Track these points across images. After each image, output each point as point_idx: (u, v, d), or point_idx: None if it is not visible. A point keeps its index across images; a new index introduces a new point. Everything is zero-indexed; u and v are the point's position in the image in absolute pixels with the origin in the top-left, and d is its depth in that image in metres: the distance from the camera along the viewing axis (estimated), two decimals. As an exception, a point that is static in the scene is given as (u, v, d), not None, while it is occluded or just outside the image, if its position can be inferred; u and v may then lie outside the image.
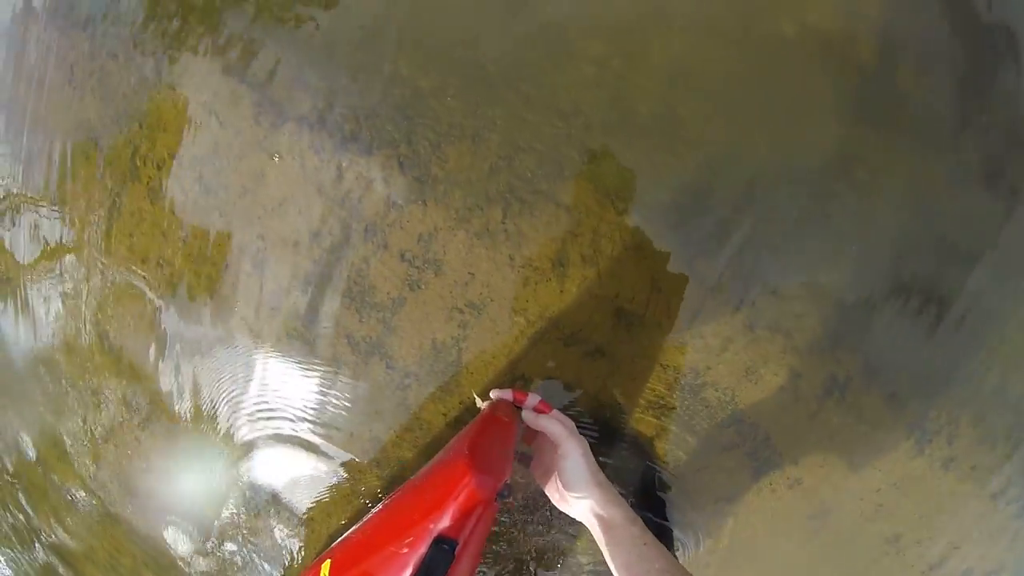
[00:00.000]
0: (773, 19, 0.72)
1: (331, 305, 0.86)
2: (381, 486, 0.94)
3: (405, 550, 0.61)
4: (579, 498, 0.64)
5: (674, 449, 0.80)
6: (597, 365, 0.79)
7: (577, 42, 0.75)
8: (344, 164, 0.79)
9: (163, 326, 0.99)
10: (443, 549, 0.60)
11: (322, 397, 0.91)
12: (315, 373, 0.90)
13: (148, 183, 0.93)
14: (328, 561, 0.73)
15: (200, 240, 0.91)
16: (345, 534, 0.81)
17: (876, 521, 0.80)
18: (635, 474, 0.81)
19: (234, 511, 1.02)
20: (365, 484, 0.94)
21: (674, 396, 0.78)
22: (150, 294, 0.98)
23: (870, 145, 0.71)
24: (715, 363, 0.76)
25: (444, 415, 0.86)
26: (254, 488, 1.01)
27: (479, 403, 0.78)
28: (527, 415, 0.69)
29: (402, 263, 0.80)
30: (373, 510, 0.81)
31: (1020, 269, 0.75)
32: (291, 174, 0.82)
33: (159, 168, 0.91)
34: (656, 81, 0.74)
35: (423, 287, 0.81)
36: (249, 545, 1.04)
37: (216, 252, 0.91)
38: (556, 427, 0.66)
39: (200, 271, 0.93)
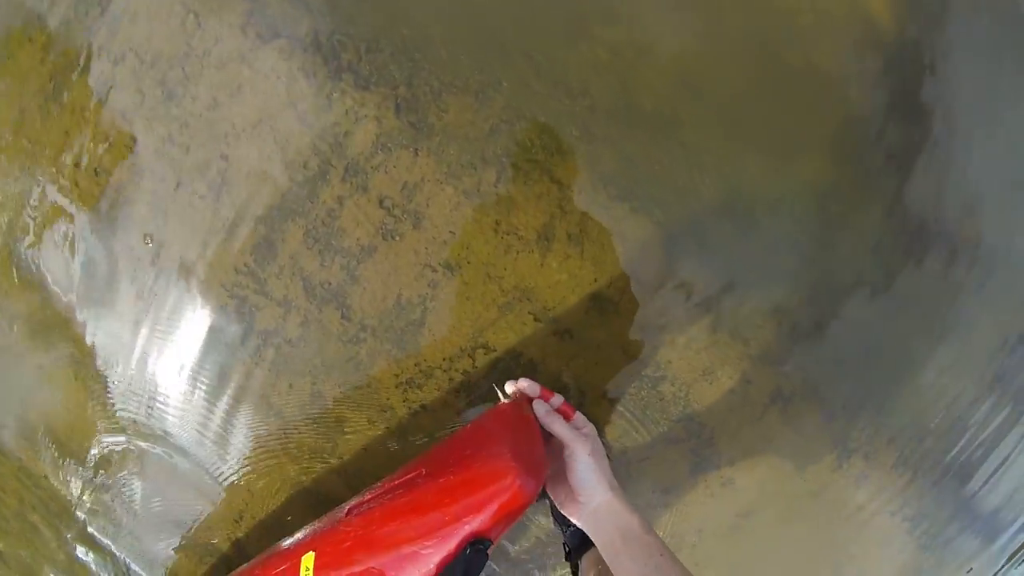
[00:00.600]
0: (783, 47, 0.76)
1: (291, 244, 0.79)
2: (314, 445, 0.88)
3: (428, 550, 0.59)
4: (589, 499, 0.60)
5: (624, 436, 0.82)
6: (564, 345, 0.78)
7: (595, 26, 0.75)
8: (335, 95, 0.74)
9: (87, 243, 0.88)
10: (479, 550, 0.59)
11: (261, 341, 0.84)
12: (261, 314, 0.83)
13: (99, 78, 0.82)
14: (311, 554, 0.68)
15: (152, 148, 0.82)
16: (323, 523, 0.75)
17: (791, 524, 0.86)
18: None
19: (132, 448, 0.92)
20: (296, 442, 0.88)
21: (632, 385, 0.80)
22: (75, 206, 0.87)
23: (846, 183, 0.77)
24: (676, 359, 0.79)
25: (396, 376, 0.82)
26: (164, 432, 0.92)
27: (502, 396, 0.74)
28: (539, 411, 0.64)
29: (380, 209, 0.76)
30: (358, 501, 0.74)
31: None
32: (274, 95, 0.76)
33: (115, 63, 0.81)
34: (664, 79, 0.76)
35: (398, 238, 0.77)
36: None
37: (168, 166, 0.81)
38: (565, 429, 0.63)
39: (144, 184, 0.83)
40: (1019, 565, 0.97)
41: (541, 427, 0.67)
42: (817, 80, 0.74)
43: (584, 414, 0.74)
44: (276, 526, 0.92)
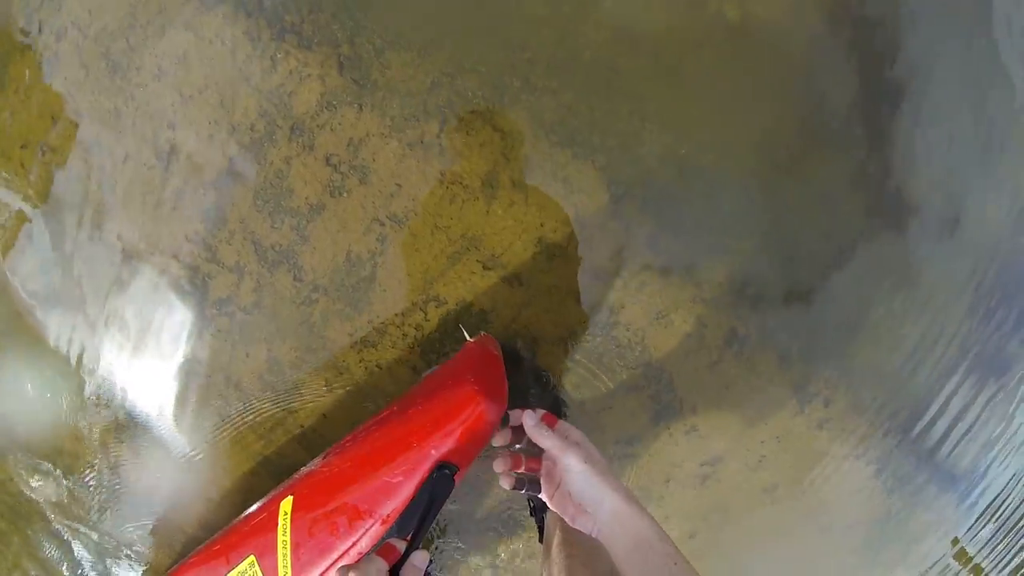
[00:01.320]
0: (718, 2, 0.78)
1: (241, 208, 0.80)
2: (275, 415, 0.87)
3: (399, 478, 0.60)
4: (597, 509, 0.57)
5: (581, 386, 0.81)
6: (514, 293, 0.78)
7: None
8: (279, 56, 0.76)
9: (36, 224, 0.88)
10: (445, 474, 0.59)
11: (216, 311, 0.84)
12: (214, 283, 0.82)
13: (42, 54, 0.83)
14: (289, 498, 0.69)
15: (100, 123, 0.83)
16: (301, 472, 0.76)
17: (758, 471, 0.85)
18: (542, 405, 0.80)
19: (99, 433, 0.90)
20: (256, 412, 0.86)
21: (586, 332, 0.79)
22: (18, 189, 0.87)
23: (790, 137, 0.78)
24: (629, 303, 0.79)
25: (350, 335, 0.81)
26: (126, 409, 0.90)
27: (468, 335, 0.75)
28: (528, 423, 0.61)
29: (326, 167, 0.77)
30: (335, 446, 0.75)
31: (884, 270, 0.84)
32: (219, 60, 0.77)
33: (58, 38, 0.82)
34: (602, 31, 0.78)
35: (345, 194, 0.77)
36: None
37: (115, 139, 0.82)
38: (554, 440, 0.60)
39: (92, 160, 0.84)
40: (991, 523, 0.95)
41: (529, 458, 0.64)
42: (759, 33, 0.76)
43: (538, 364, 0.73)
44: (243, 503, 0.90)
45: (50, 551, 1.07)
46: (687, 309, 0.80)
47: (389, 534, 0.63)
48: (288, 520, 0.68)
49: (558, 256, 0.77)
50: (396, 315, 0.79)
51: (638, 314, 0.80)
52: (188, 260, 0.83)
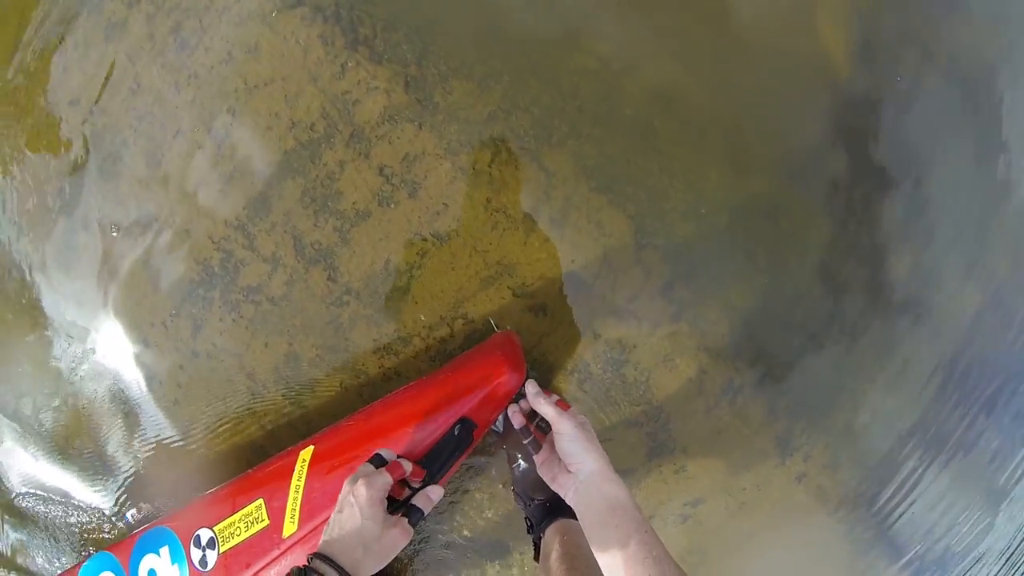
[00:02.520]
0: (746, 76, 0.87)
1: (287, 201, 0.82)
2: (282, 408, 0.88)
3: (425, 432, 0.65)
4: (580, 467, 0.60)
5: (588, 416, 0.85)
6: (538, 321, 0.83)
7: (588, 38, 0.84)
8: (350, 65, 0.79)
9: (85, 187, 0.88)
10: (468, 429, 0.65)
11: (242, 297, 0.85)
12: (246, 270, 0.84)
13: (110, 18, 0.84)
14: (311, 448, 0.70)
15: (157, 96, 0.84)
16: (322, 430, 0.79)
17: (737, 517, 0.91)
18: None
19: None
20: (265, 400, 0.87)
21: (598, 366, 0.84)
22: (78, 145, 0.87)
23: (796, 203, 0.86)
24: (641, 344, 0.84)
25: (375, 341, 0.84)
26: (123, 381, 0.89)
27: (495, 328, 0.81)
28: (530, 391, 0.66)
29: (379, 177, 0.80)
30: (357, 412, 0.79)
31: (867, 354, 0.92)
32: (290, 58, 0.80)
33: (129, 6, 0.84)
34: (643, 92, 0.84)
35: (393, 205, 0.81)
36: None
37: (169, 114, 0.83)
38: (552, 408, 0.64)
39: (142, 128, 0.85)
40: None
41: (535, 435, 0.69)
42: (774, 108, 0.84)
43: (550, 391, 0.77)
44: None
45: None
46: (691, 356, 0.86)
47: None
48: (306, 467, 0.71)
49: (583, 293, 0.82)
50: (424, 327, 0.82)
51: (647, 355, 0.85)
52: (224, 243, 0.84)
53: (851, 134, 0.84)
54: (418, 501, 0.59)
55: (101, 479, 0.98)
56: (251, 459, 0.88)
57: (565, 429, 0.62)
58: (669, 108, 0.83)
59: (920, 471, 0.96)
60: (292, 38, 0.80)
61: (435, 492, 0.60)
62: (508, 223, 0.81)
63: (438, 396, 0.68)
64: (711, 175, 0.85)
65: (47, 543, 1.06)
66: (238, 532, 0.74)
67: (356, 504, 0.54)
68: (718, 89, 0.84)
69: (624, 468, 0.88)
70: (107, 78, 0.85)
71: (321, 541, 0.55)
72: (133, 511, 0.98)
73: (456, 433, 0.66)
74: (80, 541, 1.01)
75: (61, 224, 0.90)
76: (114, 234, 0.88)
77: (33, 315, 0.94)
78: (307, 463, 0.71)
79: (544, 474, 0.65)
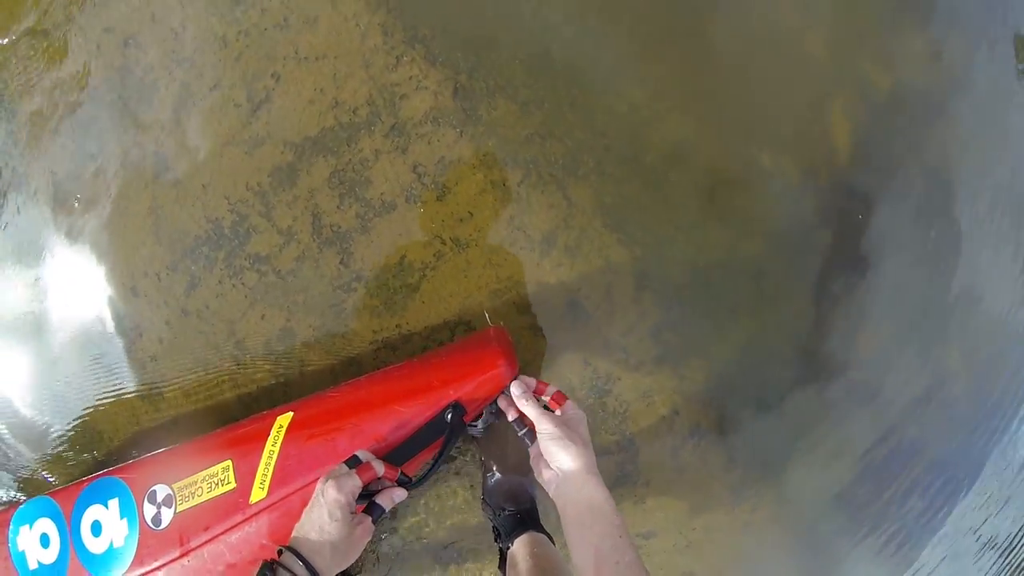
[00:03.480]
0: (757, 149, 0.94)
1: (314, 178, 0.82)
2: (266, 383, 0.87)
3: (411, 411, 0.65)
4: (560, 465, 0.62)
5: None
6: (536, 340, 0.86)
7: (624, 84, 0.88)
8: (405, 59, 0.81)
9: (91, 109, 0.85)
10: (460, 412, 0.66)
11: (247, 264, 0.84)
12: (257, 237, 0.83)
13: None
14: (289, 414, 0.69)
15: (202, 45, 0.82)
16: (303, 397, 0.77)
17: (683, 554, 0.96)
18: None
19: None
20: (249, 372, 0.86)
21: (583, 391, 0.88)
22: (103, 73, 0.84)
23: (780, 271, 0.94)
24: (625, 377, 0.89)
25: (375, 332, 0.84)
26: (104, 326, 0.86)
27: (489, 320, 0.81)
28: (515, 392, 0.67)
29: (411, 173, 0.82)
30: (342, 383, 0.77)
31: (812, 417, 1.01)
32: (347, 38, 0.81)
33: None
34: (665, 144, 0.90)
35: (420, 204, 0.82)
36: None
37: (211, 66, 0.82)
38: (534, 409, 0.65)
39: (177, 74, 0.83)
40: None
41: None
42: (778, 181, 0.91)
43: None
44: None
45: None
46: (668, 397, 0.91)
47: (387, 459, 0.65)
48: (283, 432, 0.69)
49: (581, 321, 0.87)
50: (426, 327, 0.84)
51: (629, 389, 0.90)
52: (240, 207, 0.83)
53: (838, 218, 0.92)
54: (381, 499, 0.60)
55: (50, 419, 0.93)
56: (216, 424, 0.86)
57: (544, 428, 0.63)
58: (685, 164, 0.89)
59: (842, 540, 1.05)
60: (353, 20, 0.81)
61: (399, 494, 0.62)
62: (526, 243, 0.84)
63: (430, 377, 0.68)
64: (711, 232, 0.92)
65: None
66: (200, 492, 0.71)
67: (325, 504, 0.56)
68: (732, 155, 0.91)
69: (589, 492, 0.91)
70: (153, 17, 0.83)
71: (291, 536, 0.57)
72: (79, 458, 0.93)
73: (448, 418, 0.66)
74: (16, 484, 0.95)
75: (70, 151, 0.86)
76: (120, 170, 0.85)
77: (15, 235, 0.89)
78: (284, 429, 0.69)
79: (534, 467, 0.67)
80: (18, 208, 0.90)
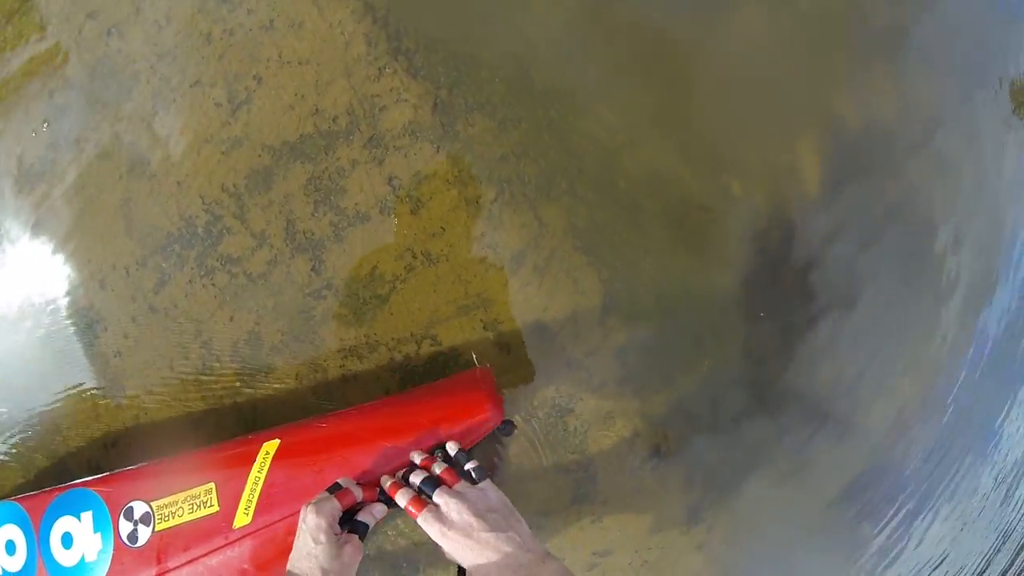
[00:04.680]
0: (734, 173, 0.95)
1: (290, 184, 0.83)
2: (232, 385, 0.87)
3: (400, 447, 0.68)
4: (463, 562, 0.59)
5: (523, 454, 0.90)
6: (501, 357, 0.87)
7: (601, 108, 0.89)
8: (387, 71, 0.81)
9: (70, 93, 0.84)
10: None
11: (218, 265, 0.84)
12: (230, 239, 0.83)
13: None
14: (276, 441, 0.71)
15: (186, 40, 0.82)
16: (287, 424, 0.78)
17: (640, 573, 0.98)
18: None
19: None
20: (215, 375, 0.86)
21: (544, 410, 0.90)
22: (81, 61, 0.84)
23: (746, 300, 0.95)
24: (588, 397, 0.90)
25: (341, 340, 0.85)
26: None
27: (477, 362, 0.83)
28: (385, 484, 0.65)
29: (387, 185, 0.83)
30: (329, 414, 0.79)
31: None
32: (330, 45, 0.81)
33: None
34: (639, 170, 0.92)
35: (393, 216, 0.83)
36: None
37: (193, 62, 0.82)
38: (406, 499, 0.62)
39: (160, 68, 0.83)
40: None
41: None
42: (747, 212, 0.93)
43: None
44: (149, 452, 0.88)
45: None
46: (629, 418, 0.93)
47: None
48: (268, 459, 0.70)
49: (547, 340, 0.88)
50: (392, 339, 0.84)
51: (589, 409, 0.91)
52: (214, 207, 0.83)
53: (805, 251, 0.94)
54: (363, 515, 0.63)
55: (8, 412, 0.92)
56: (185, 433, 0.87)
57: (428, 527, 0.58)
58: (657, 190, 0.91)
59: (796, 561, 1.07)
60: (338, 27, 0.82)
61: (379, 510, 0.64)
62: (496, 260, 0.85)
63: (419, 418, 0.70)
64: (681, 259, 0.93)
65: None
66: (180, 512, 0.72)
67: (308, 530, 0.58)
68: (703, 183, 0.92)
69: (548, 508, 0.93)
70: (136, 8, 0.83)
71: (286, 570, 0.59)
72: (34, 456, 0.93)
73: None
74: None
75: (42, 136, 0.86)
76: (94, 159, 0.85)
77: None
78: (271, 456, 0.70)
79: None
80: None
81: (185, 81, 0.83)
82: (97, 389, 0.88)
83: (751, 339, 0.94)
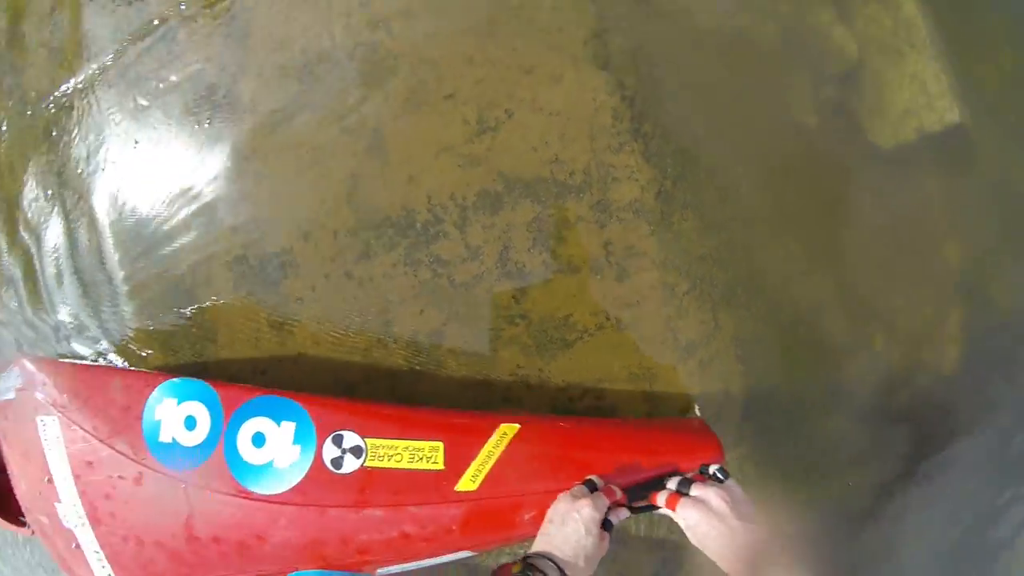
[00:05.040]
0: (870, 329, 1.06)
1: (516, 215, 0.87)
2: (392, 363, 0.87)
3: (640, 460, 0.74)
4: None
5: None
6: (646, 433, 0.91)
7: (788, 237, 0.99)
8: (626, 148, 0.88)
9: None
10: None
11: (425, 259, 0.86)
12: (443, 242, 0.85)
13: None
14: (516, 426, 0.73)
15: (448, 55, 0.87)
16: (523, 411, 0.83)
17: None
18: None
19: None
20: (387, 351, 0.87)
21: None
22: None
23: (857, 440, 1.04)
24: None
25: (517, 367, 0.87)
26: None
27: (699, 412, 0.90)
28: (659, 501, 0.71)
29: (601, 248, 0.88)
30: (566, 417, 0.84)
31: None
32: (582, 108, 0.87)
33: None
34: (804, 301, 1.00)
35: (599, 277, 0.88)
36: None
37: (452, 76, 0.87)
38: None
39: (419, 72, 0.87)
40: None
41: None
42: (880, 368, 1.03)
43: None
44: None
45: None
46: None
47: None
48: (506, 440, 0.72)
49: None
50: (564, 381, 0.88)
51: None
52: (438, 210, 0.86)
53: (921, 419, 1.05)
54: (613, 515, 0.68)
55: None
56: (333, 388, 0.87)
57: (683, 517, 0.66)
58: (812, 324, 1.00)
59: None
60: (591, 93, 0.88)
61: (623, 512, 0.70)
62: (672, 344, 0.90)
63: (655, 443, 0.77)
64: (815, 392, 1.01)
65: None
66: (398, 459, 0.73)
67: (581, 520, 0.64)
68: (851, 328, 1.02)
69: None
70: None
71: (542, 548, 0.64)
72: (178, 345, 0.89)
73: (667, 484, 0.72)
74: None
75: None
76: (337, 133, 0.87)
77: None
78: (509, 437, 0.73)
79: None
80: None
81: (441, 90, 0.88)
82: (266, 318, 0.87)
83: (855, 480, 1.02)
